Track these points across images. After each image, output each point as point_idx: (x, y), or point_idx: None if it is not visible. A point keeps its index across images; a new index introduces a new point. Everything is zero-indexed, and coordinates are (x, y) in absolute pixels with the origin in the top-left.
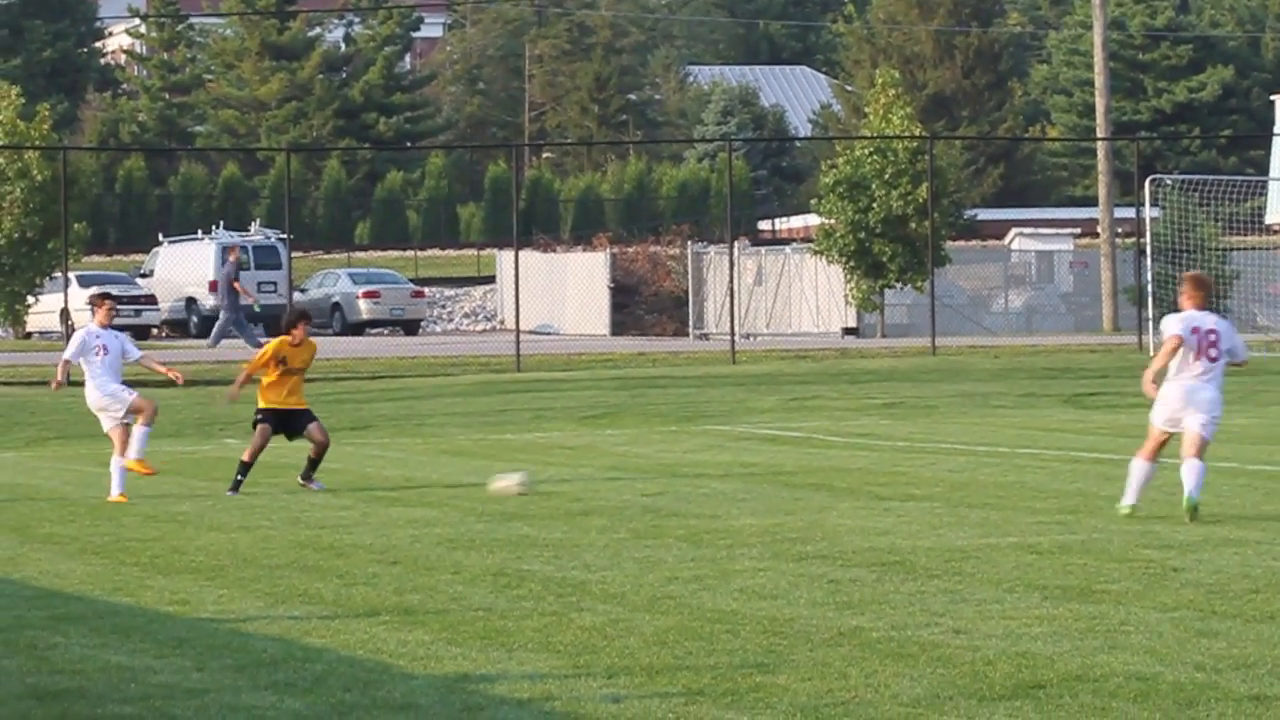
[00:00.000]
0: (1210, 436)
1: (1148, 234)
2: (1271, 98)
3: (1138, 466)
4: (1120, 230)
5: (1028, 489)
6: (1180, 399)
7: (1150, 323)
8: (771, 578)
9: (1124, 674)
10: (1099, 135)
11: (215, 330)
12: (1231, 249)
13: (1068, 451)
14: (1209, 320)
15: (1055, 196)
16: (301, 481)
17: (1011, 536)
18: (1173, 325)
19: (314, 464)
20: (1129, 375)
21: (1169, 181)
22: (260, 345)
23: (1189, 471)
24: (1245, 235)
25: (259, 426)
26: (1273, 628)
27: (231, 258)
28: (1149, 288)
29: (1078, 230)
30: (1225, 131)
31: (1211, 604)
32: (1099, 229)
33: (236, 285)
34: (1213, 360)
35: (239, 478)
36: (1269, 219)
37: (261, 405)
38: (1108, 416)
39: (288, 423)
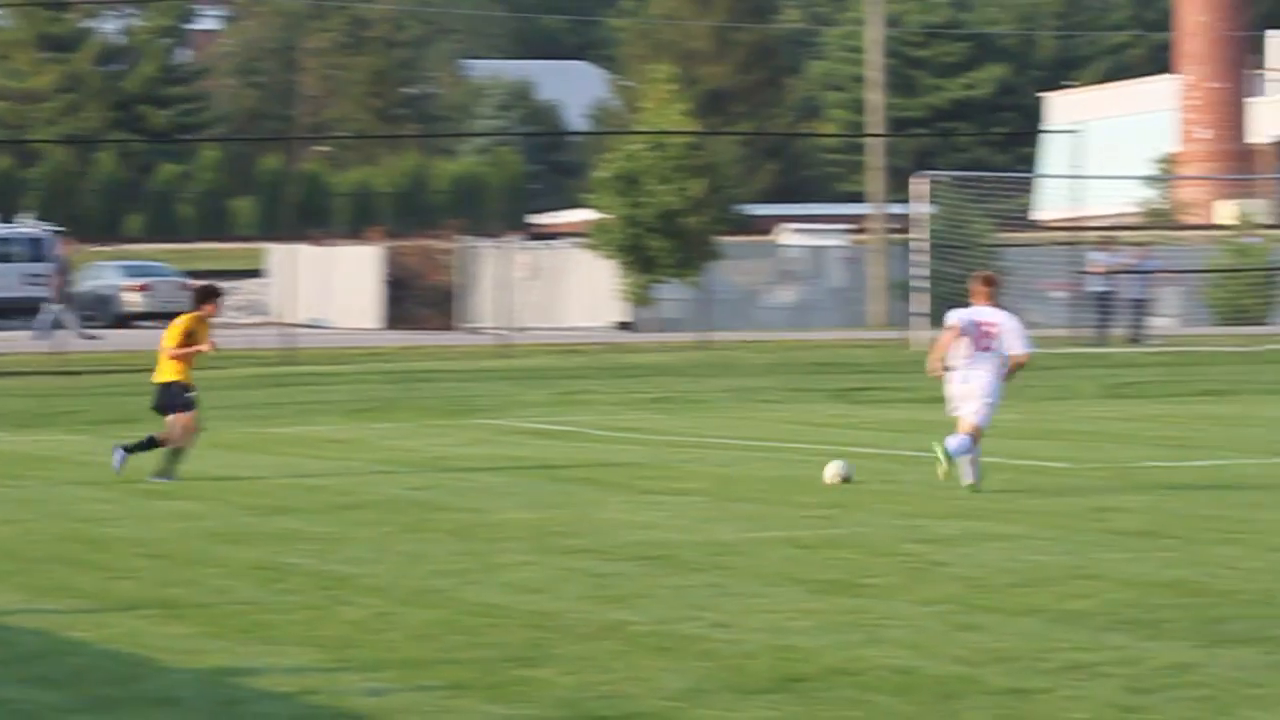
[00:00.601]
0: (984, 422)
1: (926, 230)
2: (1044, 95)
3: (958, 441)
4: (893, 226)
5: (794, 483)
6: (959, 387)
7: (930, 319)
8: (537, 571)
9: (885, 667)
10: (872, 132)
11: (51, 322)
12: (1003, 245)
13: (835, 446)
14: (989, 314)
15: (829, 192)
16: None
17: (777, 531)
18: (954, 317)
19: (150, 445)
20: (897, 370)
21: (940, 177)
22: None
23: (954, 438)
24: (1016, 231)
25: (188, 403)
26: (1033, 621)
27: (62, 250)
28: (919, 283)
29: (851, 226)
30: (998, 128)
31: (973, 598)
32: (872, 225)
33: (57, 278)
34: (987, 350)
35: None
36: (1037, 215)
37: (185, 380)
38: (876, 411)
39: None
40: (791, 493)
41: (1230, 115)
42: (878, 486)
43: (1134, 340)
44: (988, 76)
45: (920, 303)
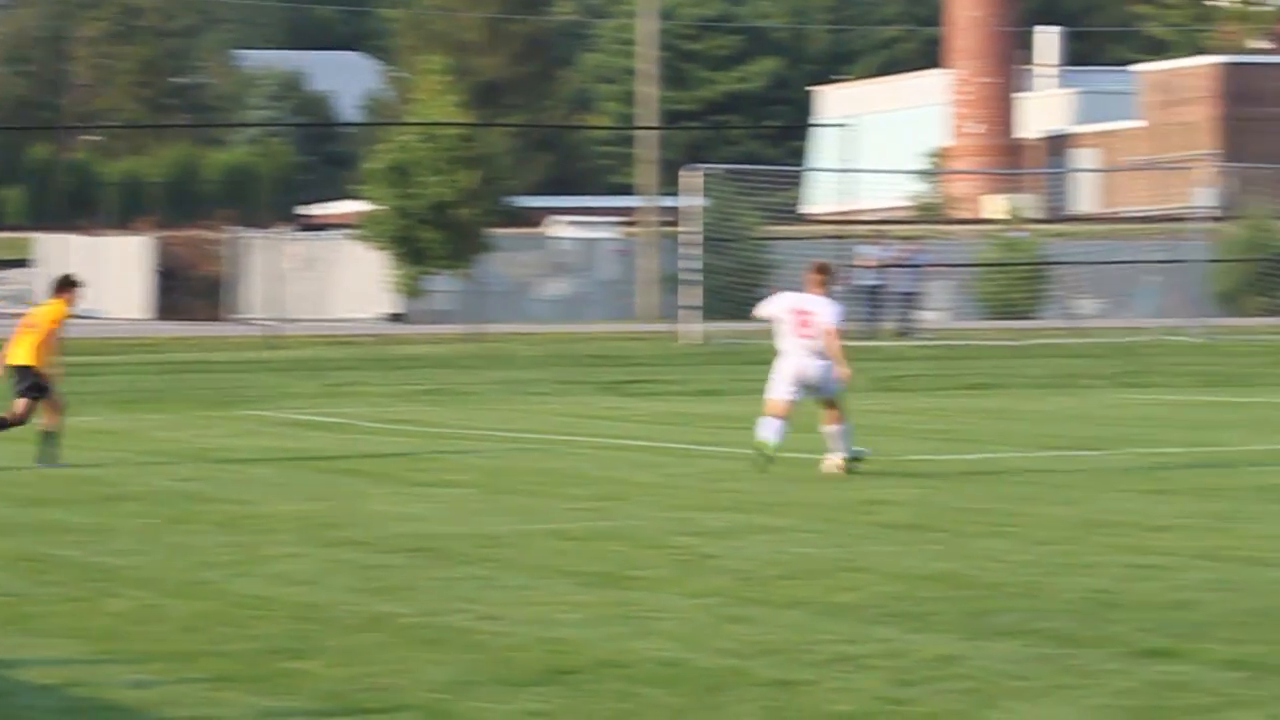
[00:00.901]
0: (835, 395)
1: (698, 223)
2: (815, 89)
3: (769, 423)
4: (664, 219)
5: (564, 475)
6: (792, 373)
7: (701, 311)
8: (305, 563)
9: (653, 660)
10: (645, 124)
11: None
12: (773, 239)
13: (605, 439)
14: (808, 301)
15: (601, 184)
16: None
17: (546, 523)
18: (768, 307)
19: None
20: (668, 363)
21: (712, 171)
22: None
23: (833, 434)
24: (787, 225)
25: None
26: (800, 614)
27: None
28: (690, 276)
29: (621, 218)
30: (770, 122)
31: (741, 590)
32: (643, 218)
33: None
34: (809, 336)
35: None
36: (808, 209)
37: (41, 367)
38: (646, 404)
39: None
40: (561, 485)
41: (1000, 110)
42: (647, 479)
43: (903, 334)
44: (760, 70)
45: (690, 296)
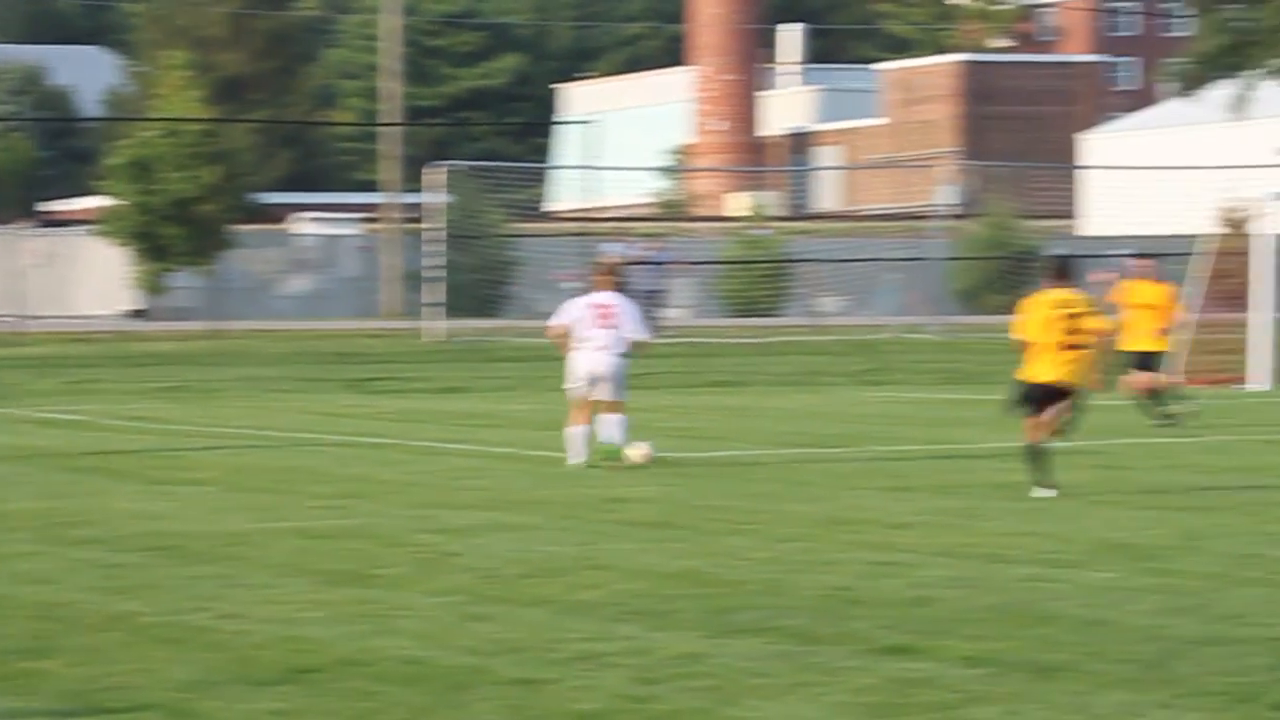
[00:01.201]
0: (621, 396)
1: (429, 220)
2: (560, 86)
3: (574, 432)
4: (408, 216)
5: (307, 473)
6: (587, 367)
7: (445, 309)
8: (44, 562)
9: (396, 658)
10: (388, 121)
11: None
12: (517, 235)
13: (349, 436)
14: (607, 297)
15: (344, 181)
16: None
17: (288, 521)
18: (568, 310)
19: None
20: (411, 360)
21: (457, 168)
22: None
23: (608, 425)
24: (531, 222)
25: None
26: (542, 612)
27: None
28: (433, 273)
29: (364, 215)
30: (514, 119)
31: (484, 588)
32: (387, 214)
33: None
34: (608, 329)
35: None
36: (553, 206)
37: None
38: (391, 401)
39: None
40: (304, 483)
41: (743, 108)
42: (391, 477)
43: None
44: (503, 66)
45: (434, 293)
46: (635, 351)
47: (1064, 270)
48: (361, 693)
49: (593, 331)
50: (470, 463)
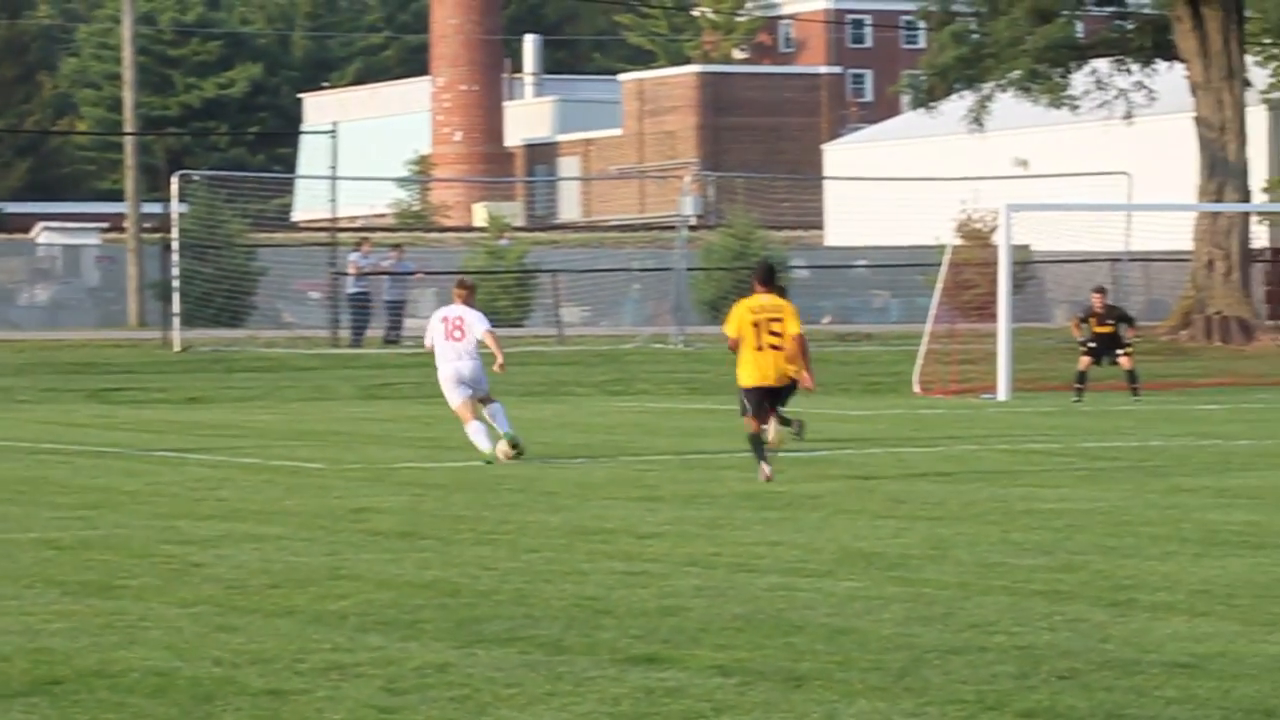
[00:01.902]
0: (484, 392)
1: (175, 230)
2: (300, 95)
3: (473, 428)
4: (148, 225)
5: (51, 484)
6: (453, 377)
7: (183, 319)
8: None
9: (142, 669)
10: (127, 130)
11: None
12: (259, 245)
13: (91, 446)
14: (457, 311)
15: (84, 190)
16: None
17: (32, 532)
18: (433, 324)
19: None
20: (154, 370)
21: (196, 177)
22: None
23: (493, 415)
24: (274, 232)
25: None
26: (290, 622)
27: None
28: (176, 283)
29: (105, 224)
30: (254, 128)
31: (231, 599)
32: (126, 224)
33: None
34: (459, 340)
35: None
36: (295, 215)
37: None
38: (132, 411)
39: None
40: (47, 493)
41: (483, 118)
42: (134, 487)
43: (390, 342)
44: (242, 76)
45: (176, 303)
46: (488, 345)
47: (769, 276)
48: (108, 704)
49: (446, 344)
50: (214, 473)
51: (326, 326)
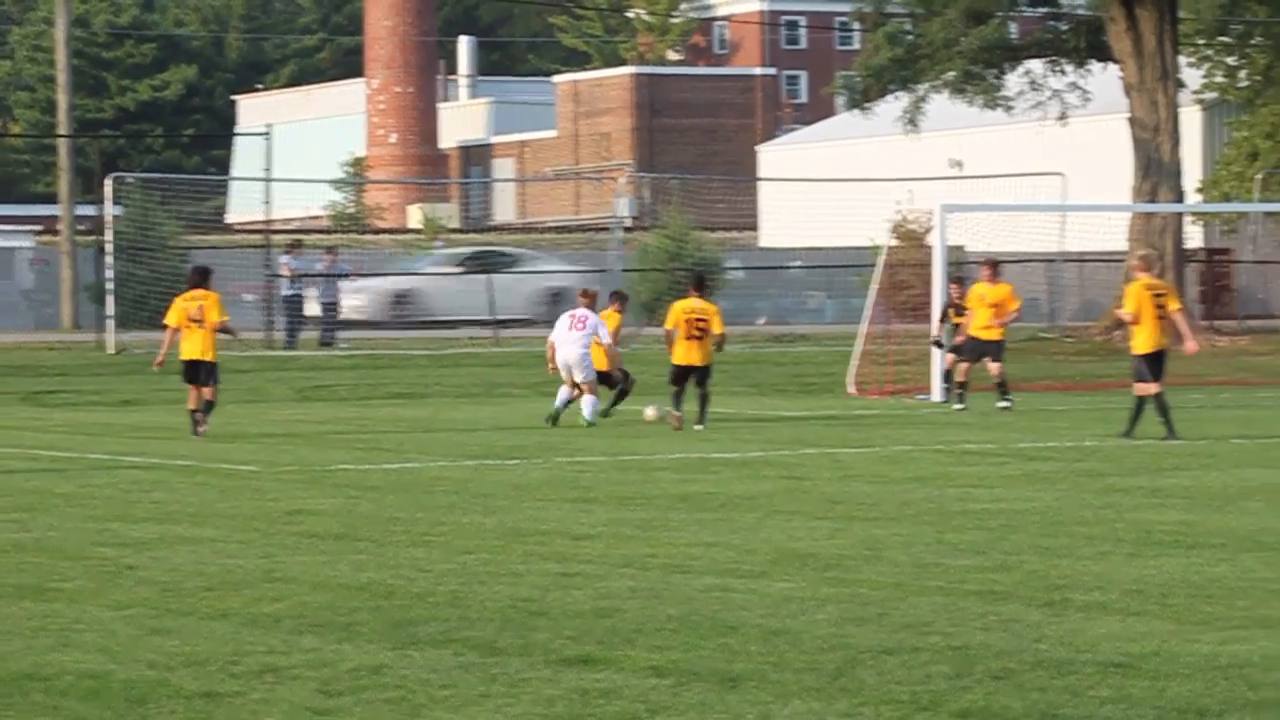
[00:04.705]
0: (584, 378)
1: (109, 232)
2: (235, 98)
3: (561, 391)
4: (82, 228)
5: None
6: (563, 359)
7: (118, 321)
8: None
9: (76, 672)
10: (61, 132)
11: None
12: (194, 248)
13: (25, 449)
14: (582, 311)
15: (18, 192)
16: None
17: None
18: (560, 319)
19: None
20: (89, 373)
21: (131, 179)
22: None
23: (584, 403)
24: (208, 234)
25: None
26: (224, 625)
27: None
28: (110, 285)
29: (39, 227)
30: (188, 130)
31: (166, 602)
32: (60, 226)
33: None
34: (580, 330)
35: None
36: (230, 217)
37: None
38: (67, 414)
39: None
40: None
41: (418, 120)
42: (68, 490)
43: (325, 344)
44: (177, 78)
45: (111, 305)
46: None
47: (700, 283)
48: (42, 707)
49: (570, 332)
50: (149, 475)
51: (261, 328)
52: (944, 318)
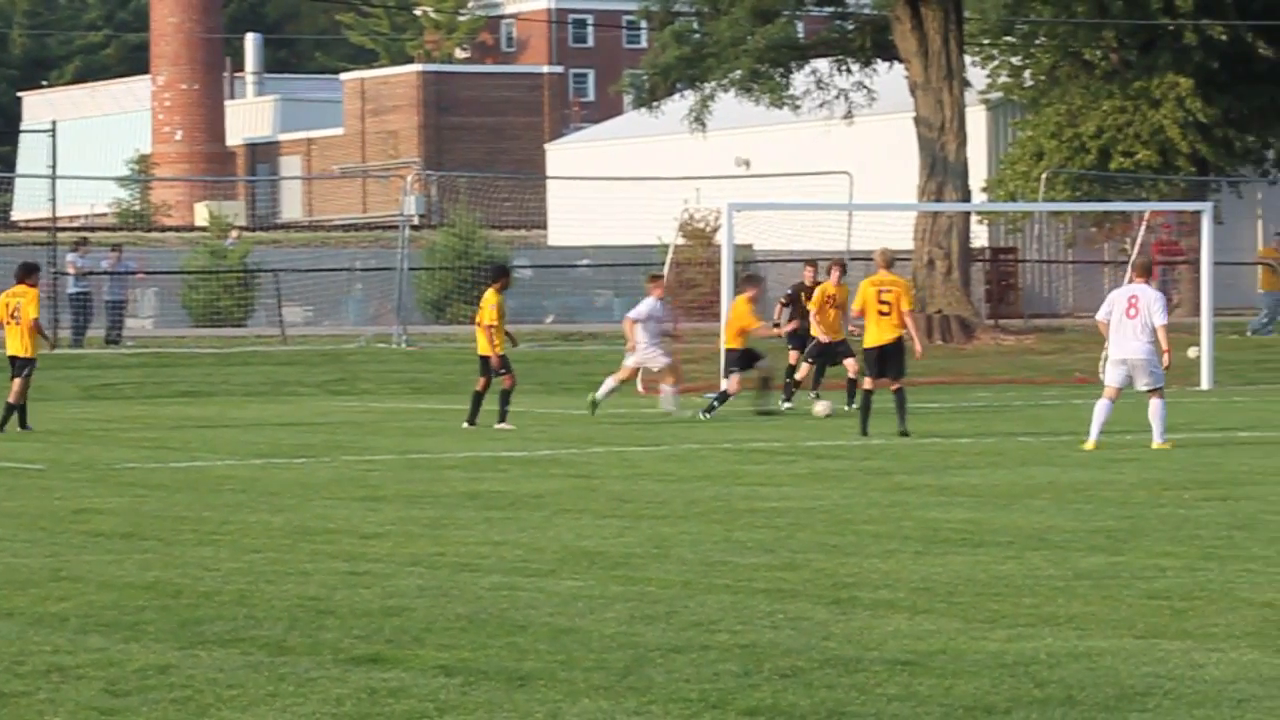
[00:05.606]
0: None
1: None
2: (19, 94)
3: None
4: None
5: None
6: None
7: None
8: None
9: None
10: None
11: None
12: None
13: None
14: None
15: None
16: None
17: None
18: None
19: None
20: None
21: None
22: None
23: (665, 398)
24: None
25: None
26: (10, 624)
27: None
28: None
29: None
30: None
31: None
32: None
33: None
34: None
35: None
36: (15, 215)
37: None
38: None
39: None
40: None
41: (204, 117)
42: None
43: (111, 342)
44: None
45: None
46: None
47: (501, 274)
48: None
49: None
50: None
51: (46, 327)
52: (790, 301)
